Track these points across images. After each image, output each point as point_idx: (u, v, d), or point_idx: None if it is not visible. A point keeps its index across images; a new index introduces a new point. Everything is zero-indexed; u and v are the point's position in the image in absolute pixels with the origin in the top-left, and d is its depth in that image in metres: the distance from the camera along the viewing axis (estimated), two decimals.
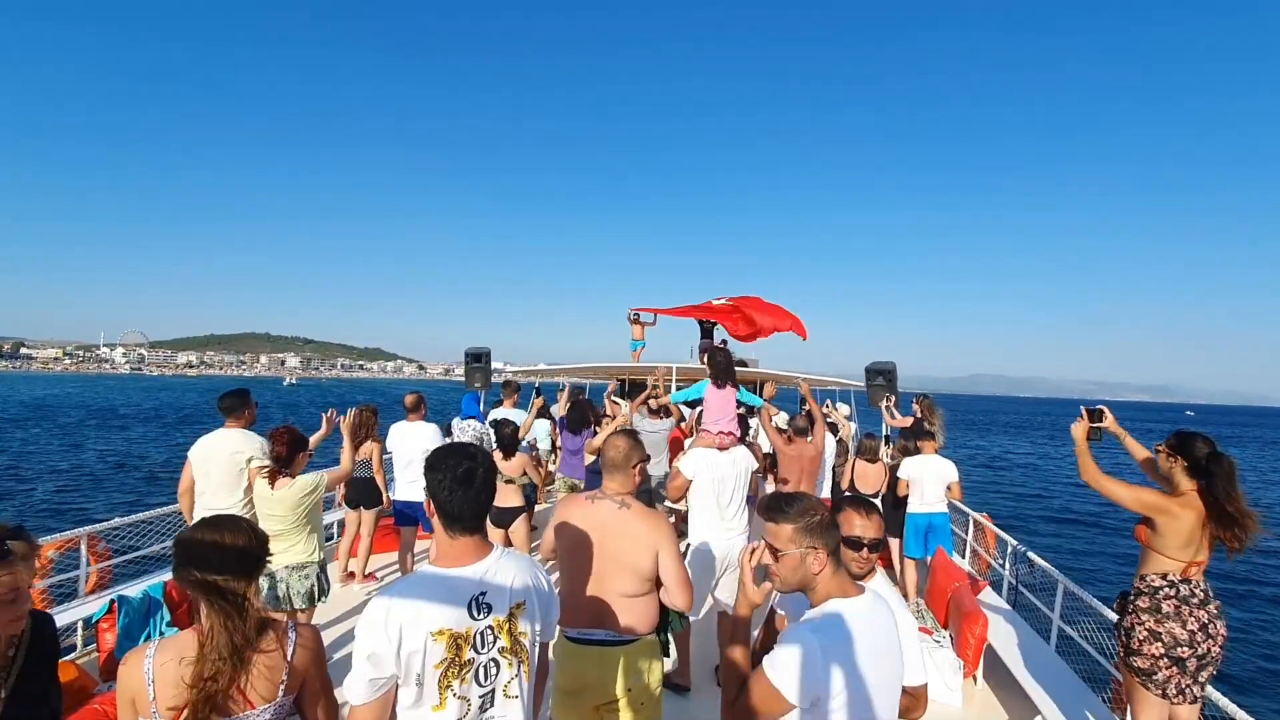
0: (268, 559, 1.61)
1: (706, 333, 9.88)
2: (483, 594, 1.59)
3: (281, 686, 1.50)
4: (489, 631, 1.59)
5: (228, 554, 1.52)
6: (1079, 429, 2.93)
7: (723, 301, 9.19)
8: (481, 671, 1.58)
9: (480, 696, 1.59)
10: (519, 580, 1.67)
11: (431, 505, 1.64)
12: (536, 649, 1.71)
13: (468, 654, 1.55)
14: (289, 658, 1.52)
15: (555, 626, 1.82)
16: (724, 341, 8.70)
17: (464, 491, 1.59)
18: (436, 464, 1.63)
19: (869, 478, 6.06)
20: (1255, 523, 2.54)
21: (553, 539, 2.41)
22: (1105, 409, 2.90)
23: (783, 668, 1.53)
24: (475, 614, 1.57)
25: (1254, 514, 2.55)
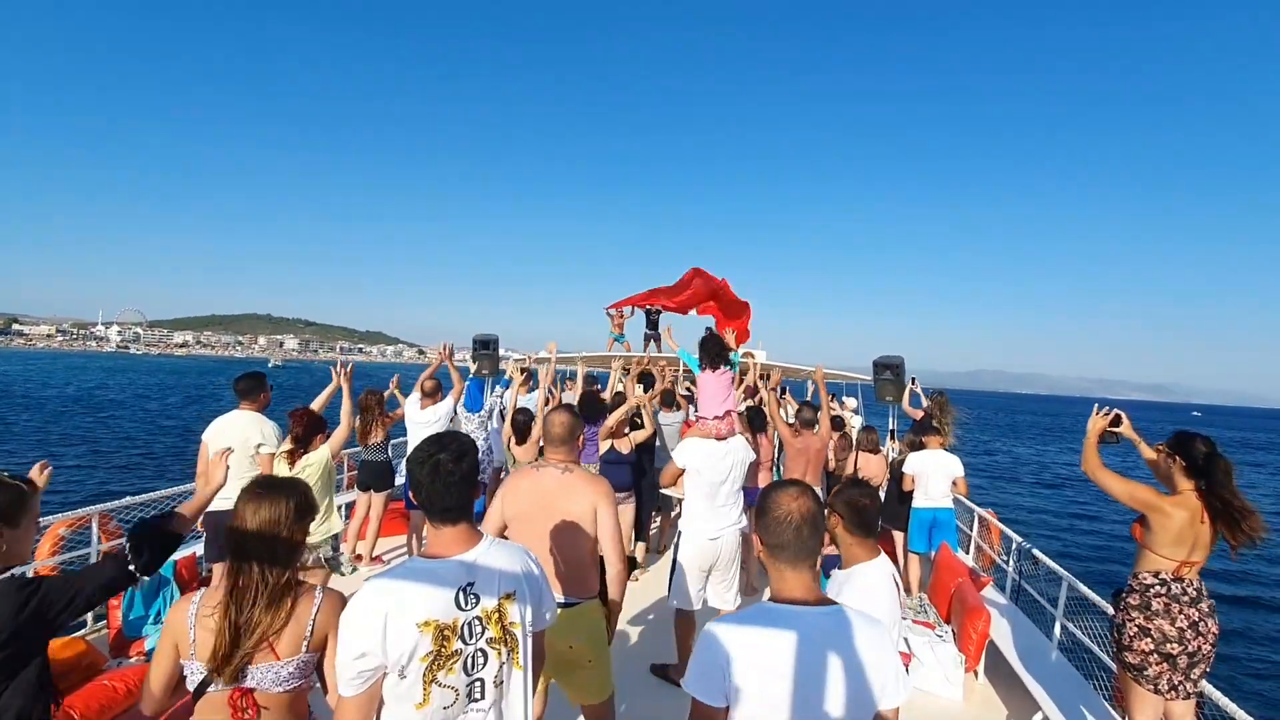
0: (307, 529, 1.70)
1: (653, 324, 9.94)
2: (470, 584, 1.57)
3: (305, 642, 1.61)
4: (477, 622, 1.57)
5: (262, 540, 1.61)
6: (1097, 422, 2.94)
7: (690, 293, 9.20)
8: (469, 662, 1.57)
9: (467, 686, 1.57)
10: (509, 569, 1.65)
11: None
12: (529, 638, 1.69)
13: (455, 645, 1.53)
14: (313, 617, 1.63)
15: (548, 614, 1.79)
16: (709, 329, 8.70)
17: (431, 482, 1.58)
18: (412, 456, 1.64)
19: (870, 469, 6.10)
20: (1259, 520, 2.56)
21: (499, 512, 2.43)
22: (1122, 414, 2.92)
23: (691, 676, 1.47)
24: (463, 604, 1.55)
25: (1257, 512, 2.57)
